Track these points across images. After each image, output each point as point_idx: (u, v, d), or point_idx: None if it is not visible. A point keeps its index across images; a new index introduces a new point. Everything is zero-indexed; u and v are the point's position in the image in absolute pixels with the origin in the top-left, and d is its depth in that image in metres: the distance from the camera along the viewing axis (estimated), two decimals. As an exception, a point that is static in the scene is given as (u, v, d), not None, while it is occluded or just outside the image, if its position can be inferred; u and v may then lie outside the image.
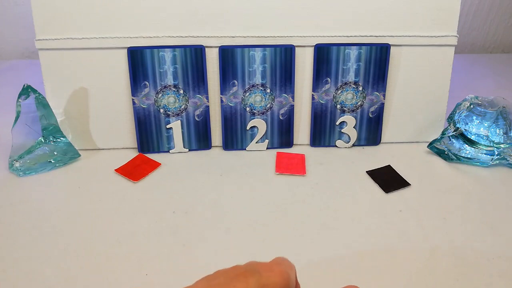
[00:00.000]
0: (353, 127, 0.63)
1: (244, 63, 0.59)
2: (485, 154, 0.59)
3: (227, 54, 0.59)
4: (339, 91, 0.62)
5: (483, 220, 0.50)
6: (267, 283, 0.27)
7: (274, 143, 0.64)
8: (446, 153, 0.61)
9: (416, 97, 0.64)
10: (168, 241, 0.47)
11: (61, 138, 0.58)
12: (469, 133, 0.59)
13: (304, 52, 0.61)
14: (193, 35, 0.59)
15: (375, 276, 0.43)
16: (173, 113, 0.61)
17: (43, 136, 0.57)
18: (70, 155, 0.59)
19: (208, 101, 0.61)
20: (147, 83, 0.59)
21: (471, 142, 0.59)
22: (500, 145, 0.58)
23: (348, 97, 0.62)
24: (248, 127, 0.62)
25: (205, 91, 0.60)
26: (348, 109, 0.63)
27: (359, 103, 0.63)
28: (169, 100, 0.60)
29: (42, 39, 0.58)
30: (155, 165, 0.60)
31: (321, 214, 0.51)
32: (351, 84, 0.61)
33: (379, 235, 0.48)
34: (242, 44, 0.59)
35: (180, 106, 0.61)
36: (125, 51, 0.59)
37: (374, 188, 0.56)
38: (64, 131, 0.59)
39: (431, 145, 0.62)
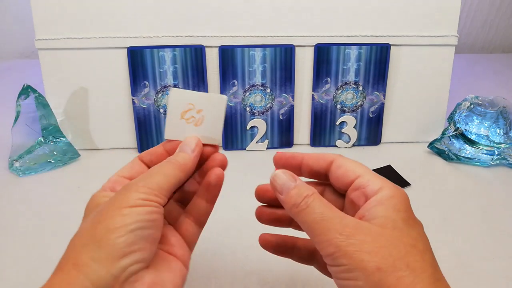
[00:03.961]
0: (353, 127, 0.63)
1: (244, 63, 0.59)
2: (485, 154, 0.59)
3: (227, 54, 0.59)
4: (339, 91, 0.62)
5: (483, 220, 0.50)
6: None
7: (274, 143, 0.64)
8: (446, 153, 0.61)
9: (416, 97, 0.64)
10: (168, 241, 0.47)
11: (61, 138, 0.58)
12: (469, 133, 0.59)
13: (304, 52, 0.60)
14: (193, 35, 0.59)
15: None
16: (173, 113, 0.61)
17: (43, 136, 0.57)
18: (69, 155, 0.59)
19: (208, 101, 0.61)
20: (147, 83, 0.59)
21: (471, 142, 0.59)
22: (500, 145, 0.58)
23: (348, 97, 0.62)
24: (248, 127, 0.62)
25: (205, 91, 0.60)
26: (348, 109, 0.63)
27: (359, 103, 0.62)
28: (169, 100, 0.60)
29: (42, 39, 0.58)
30: (155, 165, 0.59)
31: (321, 214, 0.51)
32: (351, 84, 0.61)
33: (379, 235, 0.48)
34: (242, 44, 0.59)
35: (180, 106, 0.61)
36: (125, 51, 0.59)
37: (374, 188, 0.56)
38: (64, 131, 0.59)
39: (431, 145, 0.62)
